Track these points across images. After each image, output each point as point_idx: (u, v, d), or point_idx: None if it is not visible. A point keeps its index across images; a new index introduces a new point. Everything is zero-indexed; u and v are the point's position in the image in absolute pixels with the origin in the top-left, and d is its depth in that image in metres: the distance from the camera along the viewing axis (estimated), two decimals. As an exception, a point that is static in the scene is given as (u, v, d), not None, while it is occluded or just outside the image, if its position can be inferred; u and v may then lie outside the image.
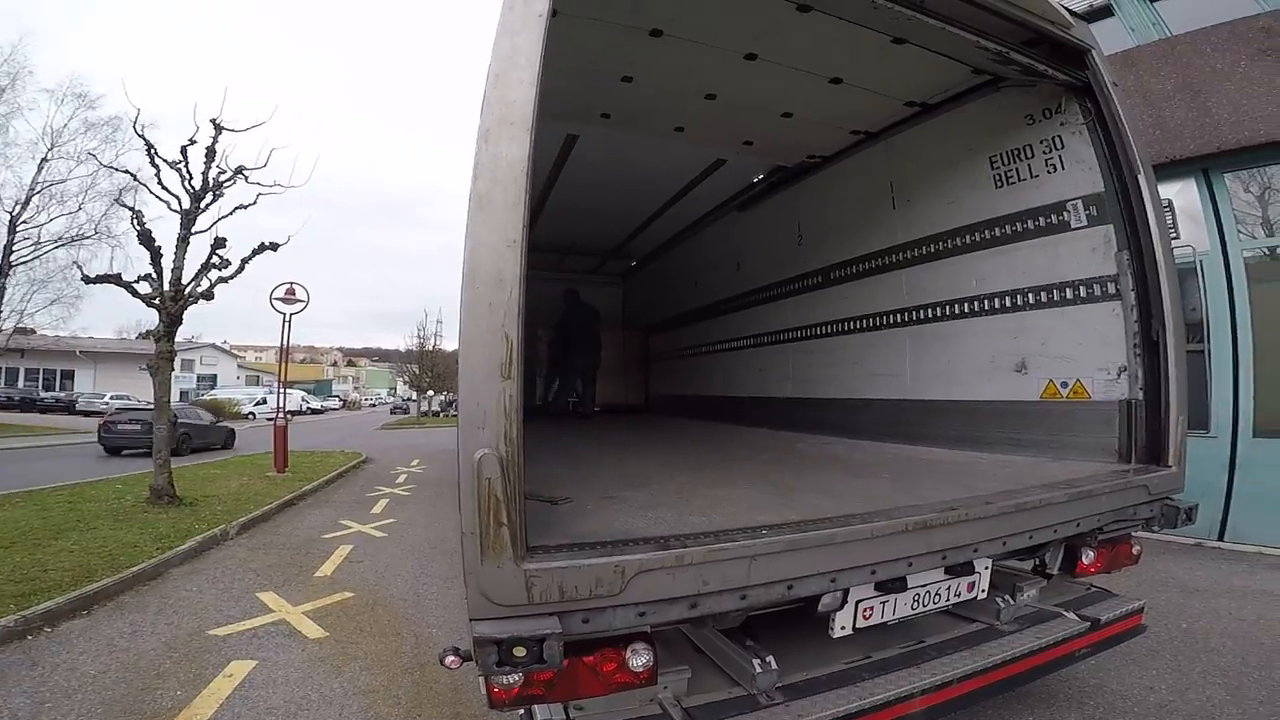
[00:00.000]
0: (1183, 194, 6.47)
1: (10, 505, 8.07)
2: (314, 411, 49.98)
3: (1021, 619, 2.96)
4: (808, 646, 2.56)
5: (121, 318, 64.57)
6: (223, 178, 8.88)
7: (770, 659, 2.34)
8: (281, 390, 14.06)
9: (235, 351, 67.46)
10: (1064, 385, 3.71)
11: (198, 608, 4.85)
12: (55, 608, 4.40)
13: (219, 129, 8.79)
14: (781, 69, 3.98)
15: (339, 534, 7.65)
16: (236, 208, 9.20)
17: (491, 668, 1.74)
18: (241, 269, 9.05)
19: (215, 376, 55.48)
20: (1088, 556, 3.09)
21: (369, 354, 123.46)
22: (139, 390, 40.35)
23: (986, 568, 2.73)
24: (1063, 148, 3.72)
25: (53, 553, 5.84)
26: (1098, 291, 3.56)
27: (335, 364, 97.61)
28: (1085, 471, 3.22)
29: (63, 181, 23.65)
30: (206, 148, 8.67)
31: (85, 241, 23.95)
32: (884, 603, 2.49)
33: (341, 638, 4.33)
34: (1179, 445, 3.20)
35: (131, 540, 6.46)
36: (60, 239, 23.81)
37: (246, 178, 9.08)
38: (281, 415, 13.08)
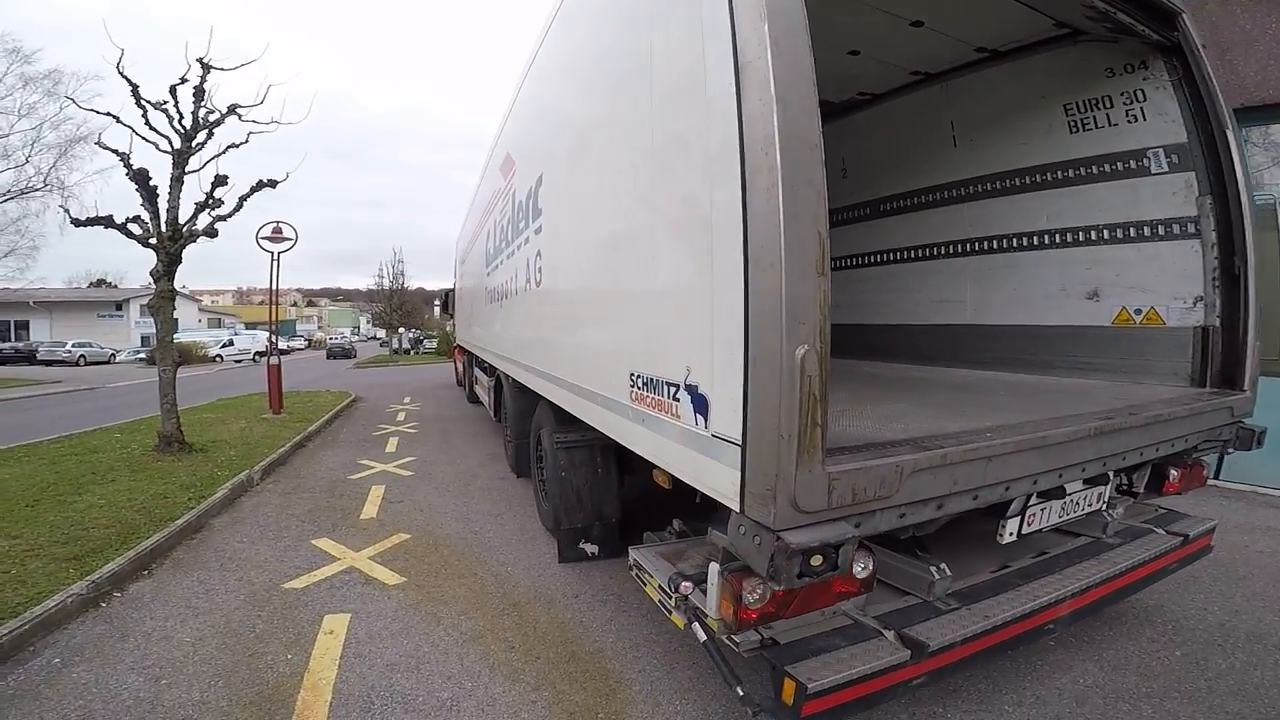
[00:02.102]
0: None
1: (14, 461, 7.42)
2: (282, 352, 48.30)
3: (1120, 534, 3.05)
4: (950, 558, 2.55)
5: (70, 269, 60.77)
6: (211, 117, 8.05)
7: (944, 566, 2.38)
8: (274, 329, 13.16)
9: (194, 295, 63.94)
10: (1137, 312, 3.71)
11: (259, 561, 4.54)
12: (118, 570, 4.03)
13: (207, 68, 7.92)
14: (867, 8, 3.64)
15: (364, 474, 7.27)
16: (229, 146, 8.37)
17: (795, 580, 1.67)
18: (239, 207, 8.32)
19: (176, 321, 52.49)
20: (1174, 476, 3.15)
21: (329, 294, 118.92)
22: (98, 337, 38.10)
23: (1111, 481, 2.76)
24: (1145, 100, 3.63)
25: (83, 509, 5.38)
26: (1176, 230, 3.53)
27: (295, 304, 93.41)
28: (1168, 394, 3.25)
29: (5, 136, 21.64)
30: (195, 87, 7.84)
31: (35, 194, 22.19)
32: (1044, 509, 2.54)
33: (421, 582, 4.12)
34: (1254, 370, 3.28)
35: (159, 491, 6.01)
36: (9, 192, 21.86)
37: (240, 116, 8.25)
38: (273, 354, 12.35)
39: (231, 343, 40.43)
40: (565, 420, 4.16)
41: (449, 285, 16.55)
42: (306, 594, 3.96)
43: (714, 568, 1.96)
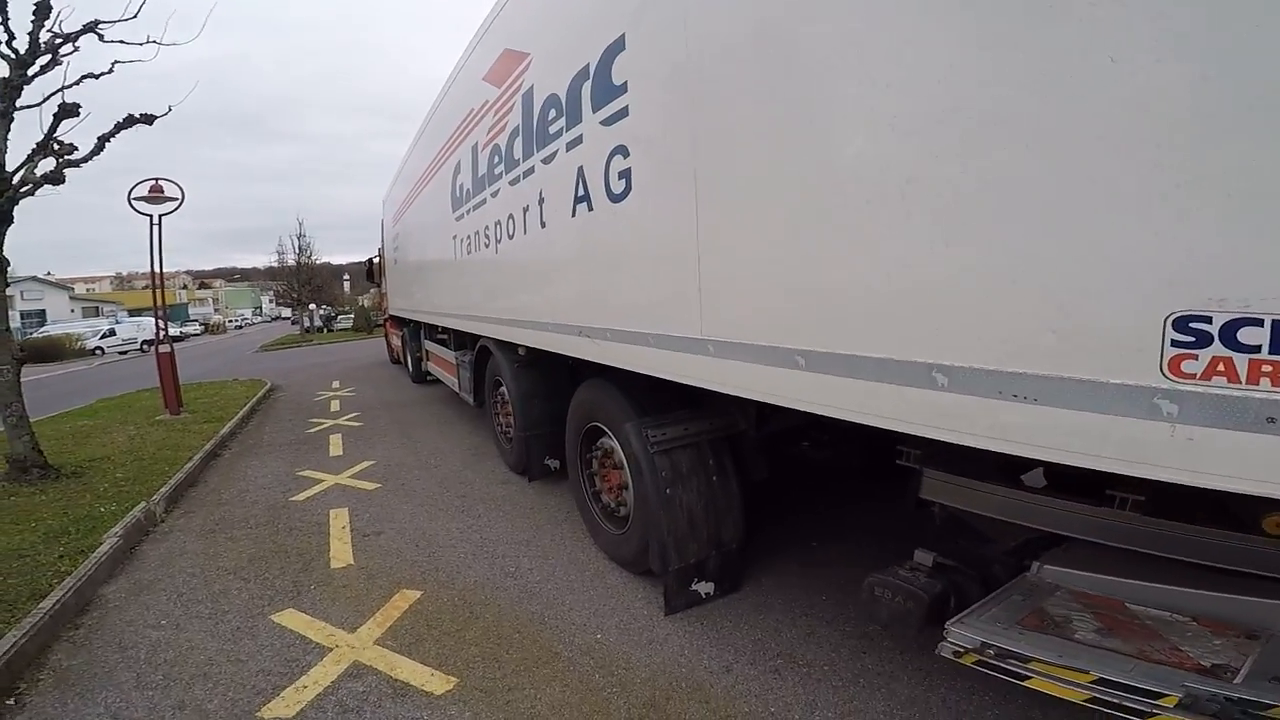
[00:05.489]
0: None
1: None
2: (175, 339, 42.50)
3: None
4: None
5: None
6: (57, 41, 5.63)
7: None
8: (160, 310, 10.16)
9: (63, 284, 55.55)
10: None
11: (200, 661, 2.75)
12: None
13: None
14: None
15: (312, 492, 5.30)
16: (84, 77, 5.93)
17: None
18: (100, 149, 5.90)
19: (44, 312, 45.39)
20: None
21: (223, 274, 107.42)
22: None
23: None
24: None
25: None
26: None
27: (185, 287, 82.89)
28: None
29: None
30: (37, 3, 5.44)
31: None
32: None
33: (487, 684, 2.47)
34: None
35: (14, 546, 3.98)
36: None
37: (102, 35, 5.83)
38: (163, 340, 9.61)
39: (113, 332, 34.86)
40: (650, 406, 2.86)
41: (360, 259, 14.08)
42: (297, 729, 2.25)
43: None
